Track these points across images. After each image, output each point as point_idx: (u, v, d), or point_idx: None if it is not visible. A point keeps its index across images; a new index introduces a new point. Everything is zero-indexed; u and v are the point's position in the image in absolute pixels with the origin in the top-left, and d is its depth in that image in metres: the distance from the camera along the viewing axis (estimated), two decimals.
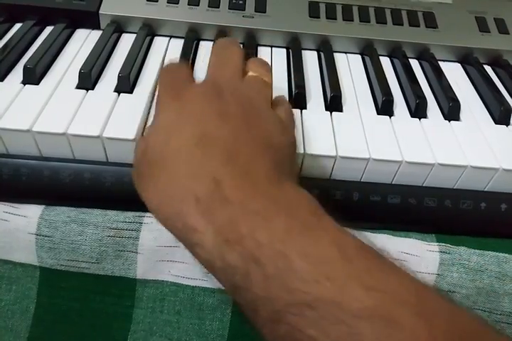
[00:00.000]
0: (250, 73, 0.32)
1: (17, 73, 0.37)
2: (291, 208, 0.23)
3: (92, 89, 0.37)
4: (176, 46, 0.43)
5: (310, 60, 0.44)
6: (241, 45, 0.39)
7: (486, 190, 0.35)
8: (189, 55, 0.41)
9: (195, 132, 0.25)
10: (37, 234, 0.33)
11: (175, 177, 0.24)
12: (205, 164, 0.24)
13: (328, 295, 0.19)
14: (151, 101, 0.36)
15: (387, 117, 0.38)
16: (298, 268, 0.20)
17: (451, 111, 0.39)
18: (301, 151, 0.33)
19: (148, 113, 0.35)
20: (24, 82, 0.36)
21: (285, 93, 0.39)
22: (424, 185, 0.35)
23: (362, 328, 0.19)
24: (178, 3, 0.45)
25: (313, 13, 0.46)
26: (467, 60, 0.46)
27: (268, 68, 0.34)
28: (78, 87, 0.37)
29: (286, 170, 0.26)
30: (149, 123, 0.34)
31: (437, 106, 0.40)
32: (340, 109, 0.38)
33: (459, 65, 0.47)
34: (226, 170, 0.23)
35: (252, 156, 0.25)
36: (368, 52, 0.45)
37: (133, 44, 0.41)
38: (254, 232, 0.21)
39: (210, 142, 0.24)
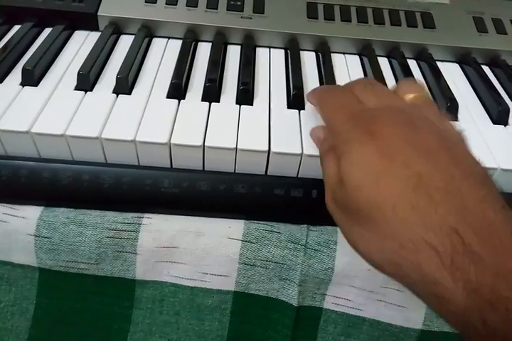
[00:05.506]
0: (410, 95, 0.30)
1: (16, 75, 0.37)
2: None
3: (91, 90, 0.37)
4: (174, 47, 0.43)
5: (308, 60, 0.44)
6: None
7: None
8: (187, 56, 0.41)
9: (408, 174, 0.23)
10: (36, 235, 0.34)
11: (400, 225, 0.22)
12: (435, 212, 0.22)
13: None
14: (149, 102, 0.37)
15: None
16: None
17: (449, 111, 0.39)
18: (299, 151, 0.33)
19: (144, 114, 0.35)
20: (23, 84, 0.37)
21: (283, 94, 0.39)
22: None
23: None
24: (176, 5, 0.45)
25: (312, 14, 0.46)
26: (465, 60, 0.46)
27: (421, 86, 0.32)
28: (77, 89, 0.37)
29: (501, 200, 0.23)
30: (147, 124, 0.34)
31: None
32: None
33: (457, 65, 0.47)
34: (464, 220, 0.22)
35: (477, 198, 0.23)
36: (366, 52, 0.45)
37: (131, 45, 0.41)
38: None
39: (429, 185, 0.23)
